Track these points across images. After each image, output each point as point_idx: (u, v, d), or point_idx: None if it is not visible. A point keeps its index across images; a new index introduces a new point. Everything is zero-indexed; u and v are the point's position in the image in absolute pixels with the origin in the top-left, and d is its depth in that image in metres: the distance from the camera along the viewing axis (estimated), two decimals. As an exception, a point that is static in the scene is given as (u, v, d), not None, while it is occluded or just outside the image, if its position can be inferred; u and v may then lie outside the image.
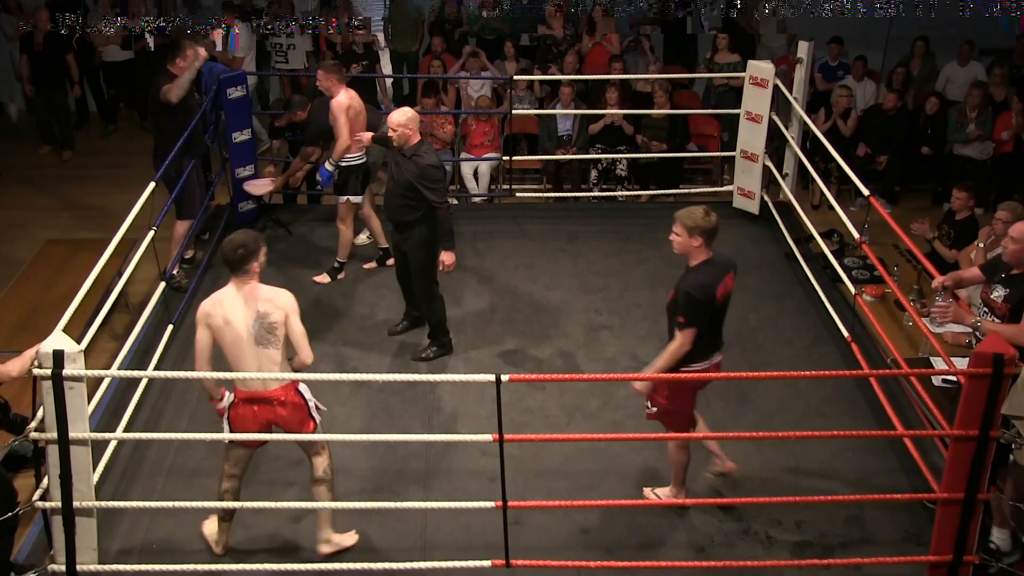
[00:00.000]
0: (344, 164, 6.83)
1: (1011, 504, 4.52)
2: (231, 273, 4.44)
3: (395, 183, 5.98)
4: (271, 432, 4.59)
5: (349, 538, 4.78)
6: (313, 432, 4.60)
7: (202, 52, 6.84)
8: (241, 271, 4.42)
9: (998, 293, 4.81)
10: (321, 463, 4.64)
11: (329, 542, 4.72)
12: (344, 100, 6.73)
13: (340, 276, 7.13)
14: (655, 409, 4.81)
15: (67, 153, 10.32)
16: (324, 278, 7.08)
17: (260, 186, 7.59)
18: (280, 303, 4.43)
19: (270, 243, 7.49)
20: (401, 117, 5.86)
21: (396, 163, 5.97)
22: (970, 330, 5.01)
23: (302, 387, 4.56)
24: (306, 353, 4.46)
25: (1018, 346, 4.22)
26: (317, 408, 4.61)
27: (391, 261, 7.00)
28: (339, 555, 4.70)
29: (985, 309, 4.93)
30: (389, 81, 10.69)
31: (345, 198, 6.94)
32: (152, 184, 6.07)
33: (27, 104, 10.64)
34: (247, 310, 4.41)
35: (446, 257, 5.96)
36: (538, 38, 10.19)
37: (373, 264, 7.27)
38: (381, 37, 10.61)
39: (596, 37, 9.92)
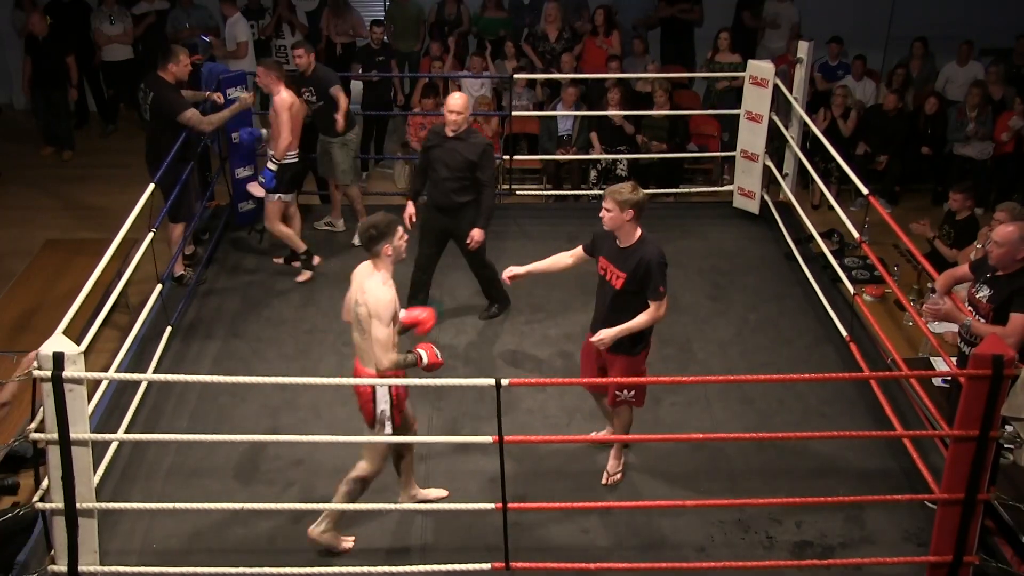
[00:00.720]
0: (283, 162, 6.83)
1: (1011, 505, 4.52)
2: (367, 251, 4.46)
3: (447, 168, 6.14)
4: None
5: (345, 542, 4.75)
6: (372, 431, 4.58)
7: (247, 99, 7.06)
8: (371, 252, 4.43)
9: (983, 293, 4.85)
10: (360, 469, 4.60)
11: (321, 534, 4.68)
12: (288, 98, 6.72)
13: (316, 261, 7.15)
14: (632, 394, 4.98)
15: (67, 153, 10.31)
16: (306, 275, 7.12)
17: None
18: (366, 300, 4.37)
19: (268, 243, 7.54)
20: (461, 102, 6.06)
21: (448, 148, 6.11)
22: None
23: (382, 391, 4.43)
24: (377, 359, 4.36)
25: None
26: (386, 416, 4.50)
27: (297, 263, 7.19)
28: (338, 557, 4.70)
29: (970, 307, 4.95)
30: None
31: (277, 196, 6.93)
32: (151, 187, 6.07)
33: (29, 105, 10.62)
34: (356, 292, 4.44)
35: (477, 234, 6.20)
36: (531, 37, 10.16)
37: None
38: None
39: (597, 40, 9.91)
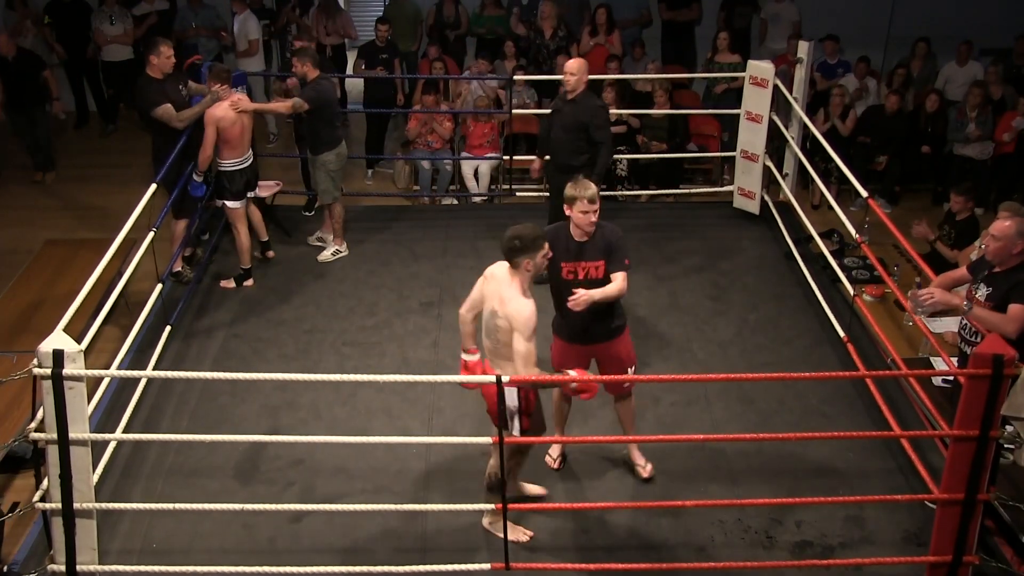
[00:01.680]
0: (223, 170, 6.79)
1: (1011, 505, 4.52)
2: (507, 260, 4.39)
3: (563, 129, 6.54)
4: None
5: (523, 535, 4.79)
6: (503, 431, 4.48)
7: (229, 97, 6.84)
8: (511, 262, 4.38)
9: (982, 292, 4.85)
10: (491, 464, 4.63)
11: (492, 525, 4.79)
12: (218, 112, 6.63)
13: (247, 283, 7.04)
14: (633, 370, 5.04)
15: (49, 175, 9.82)
16: (230, 283, 7.05)
17: (267, 187, 7.60)
18: (506, 313, 4.31)
19: (268, 243, 7.54)
20: (576, 64, 6.52)
21: (565, 111, 6.54)
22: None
23: (510, 392, 4.27)
24: (514, 371, 4.29)
25: (1010, 340, 4.25)
26: (514, 417, 4.36)
27: (271, 253, 7.33)
28: (338, 557, 4.70)
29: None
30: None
31: (221, 203, 6.95)
32: (153, 187, 6.08)
33: (11, 127, 10.05)
34: (492, 299, 4.40)
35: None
36: (527, 38, 10.14)
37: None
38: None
39: (599, 38, 9.91)
